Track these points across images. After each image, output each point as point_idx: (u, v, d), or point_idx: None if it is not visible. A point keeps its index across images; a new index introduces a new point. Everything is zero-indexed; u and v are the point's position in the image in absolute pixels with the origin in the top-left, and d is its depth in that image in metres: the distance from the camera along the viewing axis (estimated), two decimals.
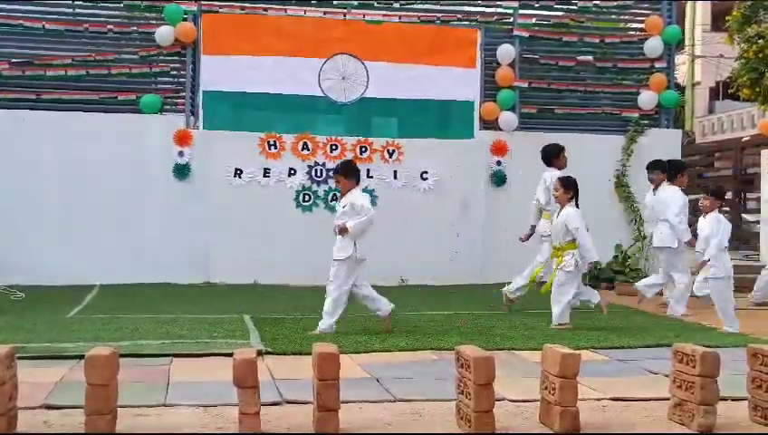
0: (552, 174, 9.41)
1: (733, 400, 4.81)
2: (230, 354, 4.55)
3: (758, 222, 10.86)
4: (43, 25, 11.62)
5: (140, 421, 4.50)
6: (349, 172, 8.05)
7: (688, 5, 31.37)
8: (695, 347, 4.53)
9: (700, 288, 8.93)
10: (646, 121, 12.90)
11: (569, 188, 8.25)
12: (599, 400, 5.07)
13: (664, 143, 12.49)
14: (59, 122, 11.15)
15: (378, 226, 11.21)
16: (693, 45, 30.92)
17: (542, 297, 8.75)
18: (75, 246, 9.72)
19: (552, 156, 9.93)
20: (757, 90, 13.13)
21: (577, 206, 8.24)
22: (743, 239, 18.33)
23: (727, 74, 22.09)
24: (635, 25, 13.14)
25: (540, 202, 9.72)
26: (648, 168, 10.33)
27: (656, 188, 10.08)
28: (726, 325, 7.95)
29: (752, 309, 10.03)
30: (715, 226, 8.20)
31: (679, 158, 11.64)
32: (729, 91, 20.48)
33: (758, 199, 14.77)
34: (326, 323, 7.50)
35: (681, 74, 26.23)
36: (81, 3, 11.75)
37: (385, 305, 7.79)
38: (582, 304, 8.53)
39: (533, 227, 9.59)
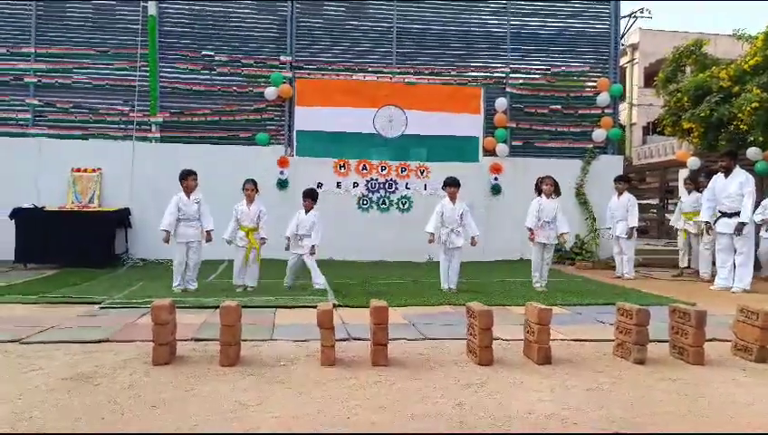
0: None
1: (658, 341, 4.75)
2: (314, 306, 4.63)
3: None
4: (191, 88, 11.86)
5: (256, 350, 4.60)
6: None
7: (627, 70, 30.81)
8: (631, 305, 4.51)
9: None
10: (598, 150, 12.71)
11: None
12: (564, 340, 5.06)
13: (610, 165, 12.30)
14: (202, 151, 11.33)
15: (413, 220, 11.29)
16: (631, 97, 30.41)
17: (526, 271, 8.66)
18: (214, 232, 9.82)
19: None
20: (676, 128, 12.86)
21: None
22: (665, 232, 18.02)
23: (655, 117, 21.66)
24: (590, 84, 12.95)
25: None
26: (615, 180, 10.22)
27: (620, 195, 9.95)
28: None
29: (672, 280, 9.86)
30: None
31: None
32: (657, 129, 20.11)
33: (676, 204, 14.50)
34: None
35: (623, 117, 25.81)
36: (215, 72, 11.94)
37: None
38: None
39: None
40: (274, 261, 8.60)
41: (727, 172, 8.62)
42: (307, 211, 7.89)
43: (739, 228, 8.24)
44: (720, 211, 8.63)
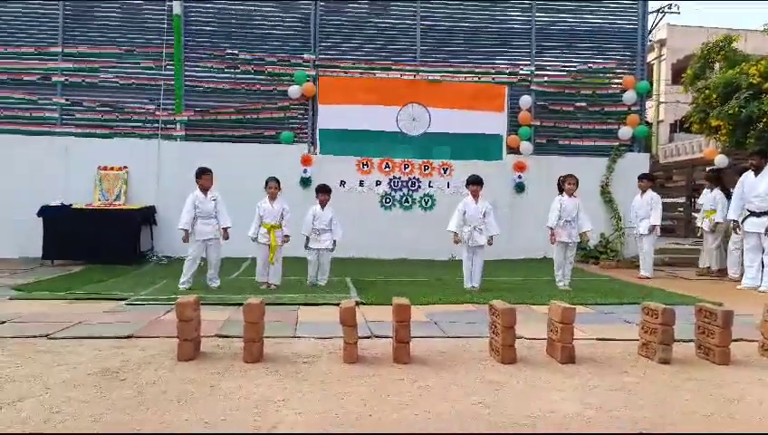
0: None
1: (684, 341, 4.69)
2: (337, 304, 4.63)
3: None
4: (216, 86, 11.98)
5: (279, 347, 4.64)
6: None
7: (655, 66, 30.39)
8: (657, 304, 4.46)
9: None
10: (624, 148, 12.56)
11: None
12: (588, 339, 5.02)
13: (637, 163, 12.15)
14: (226, 150, 11.47)
15: (436, 219, 11.27)
16: (658, 94, 29.96)
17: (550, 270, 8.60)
18: (236, 229, 10.00)
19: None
20: (704, 126, 12.64)
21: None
22: (692, 231, 17.72)
23: (682, 115, 21.31)
24: (617, 81, 12.78)
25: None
26: (638, 177, 10.08)
27: (643, 193, 9.85)
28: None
29: (698, 279, 9.72)
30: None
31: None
32: (684, 126, 19.80)
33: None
34: None
35: (649, 115, 25.42)
36: (239, 71, 12.04)
37: None
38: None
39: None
40: (298, 259, 8.65)
41: (757, 171, 8.47)
42: (323, 206, 7.98)
43: None
44: (749, 210, 8.48)
